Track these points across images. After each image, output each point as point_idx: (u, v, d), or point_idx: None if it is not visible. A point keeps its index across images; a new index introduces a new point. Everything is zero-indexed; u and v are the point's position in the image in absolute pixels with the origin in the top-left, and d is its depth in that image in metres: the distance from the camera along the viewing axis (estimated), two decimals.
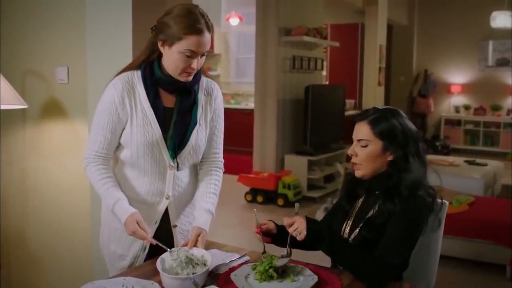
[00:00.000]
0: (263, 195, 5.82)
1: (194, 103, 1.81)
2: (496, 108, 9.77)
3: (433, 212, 1.76)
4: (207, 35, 1.67)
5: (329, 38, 7.95)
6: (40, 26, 2.76)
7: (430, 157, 6.68)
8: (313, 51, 6.78)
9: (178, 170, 1.81)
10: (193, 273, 1.53)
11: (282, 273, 1.60)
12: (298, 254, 1.85)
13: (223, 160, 1.97)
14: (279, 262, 1.61)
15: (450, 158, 6.59)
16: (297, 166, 6.06)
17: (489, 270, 3.90)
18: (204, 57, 1.73)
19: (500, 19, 7.89)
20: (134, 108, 1.75)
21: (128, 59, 1.90)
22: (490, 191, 5.61)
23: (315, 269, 1.66)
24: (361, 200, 1.84)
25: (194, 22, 1.65)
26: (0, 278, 2.90)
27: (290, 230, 1.66)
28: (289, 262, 1.65)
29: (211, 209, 1.85)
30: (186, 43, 1.65)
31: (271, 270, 1.56)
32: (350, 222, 1.82)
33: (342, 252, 1.66)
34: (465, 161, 6.21)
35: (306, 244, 1.75)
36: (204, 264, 1.59)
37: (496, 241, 3.86)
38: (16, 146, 2.91)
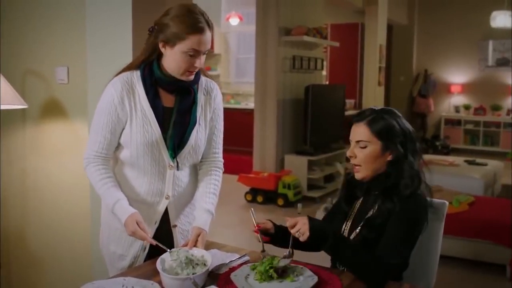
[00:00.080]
0: (263, 195, 5.82)
1: (194, 103, 1.82)
2: (496, 108, 9.77)
3: (431, 209, 1.76)
4: (208, 33, 1.69)
5: (329, 38, 7.95)
6: (40, 26, 2.76)
7: (430, 157, 6.71)
8: (313, 51, 6.79)
9: (178, 169, 1.81)
10: (193, 273, 1.53)
11: (282, 273, 1.59)
12: (298, 254, 1.84)
13: (222, 160, 1.97)
14: (281, 263, 1.61)
15: (450, 158, 6.59)
16: (297, 166, 6.07)
17: (489, 270, 3.90)
18: (204, 56, 1.74)
19: (500, 19, 7.89)
20: (134, 108, 1.75)
21: (128, 59, 1.90)
22: (490, 191, 5.61)
23: (315, 269, 1.66)
24: (360, 201, 1.84)
25: (196, 22, 1.66)
26: (0, 278, 2.90)
27: (292, 231, 1.64)
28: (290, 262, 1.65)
29: (211, 209, 1.85)
30: (189, 43, 1.66)
31: (271, 271, 1.56)
32: (349, 223, 1.82)
33: (344, 252, 1.66)
34: (465, 161, 6.21)
35: (308, 245, 1.75)
36: (204, 264, 1.59)
37: (496, 241, 3.86)
38: (16, 146, 2.91)
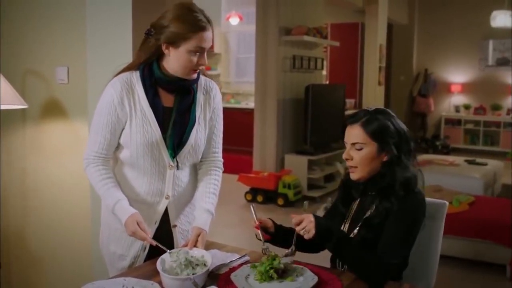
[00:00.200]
0: (263, 195, 5.82)
1: (193, 102, 1.82)
2: (496, 108, 9.76)
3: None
4: (210, 30, 1.71)
5: (329, 38, 7.94)
6: (40, 26, 2.76)
7: (430, 156, 6.71)
8: (313, 51, 6.78)
9: (178, 169, 1.81)
10: (193, 274, 1.53)
11: (282, 273, 1.59)
12: (298, 255, 1.85)
13: (222, 160, 1.97)
14: (283, 261, 1.61)
15: (450, 158, 6.59)
16: (297, 166, 6.07)
17: (489, 270, 3.90)
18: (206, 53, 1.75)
19: (500, 19, 7.88)
20: (133, 108, 1.75)
21: (128, 59, 1.91)
22: (490, 190, 5.61)
23: (315, 269, 1.66)
24: (357, 202, 1.84)
25: (197, 20, 1.67)
26: (0, 278, 2.90)
27: (298, 228, 1.64)
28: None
29: (211, 209, 1.85)
30: (194, 42, 1.67)
31: (271, 271, 1.56)
32: (347, 224, 1.83)
33: (347, 252, 1.66)
34: (465, 161, 6.21)
35: (309, 245, 1.75)
36: (204, 265, 1.59)
37: (496, 241, 3.86)
38: (16, 146, 2.91)
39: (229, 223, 4.96)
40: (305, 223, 1.63)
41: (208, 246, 1.84)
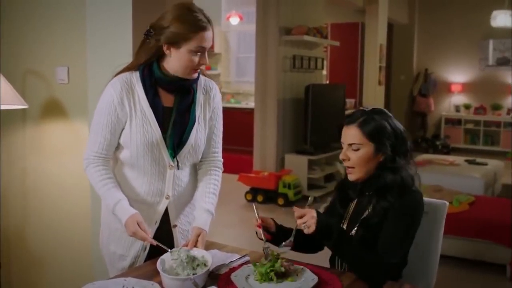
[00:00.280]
0: (263, 195, 5.82)
1: (193, 102, 1.82)
2: (496, 107, 9.76)
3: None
4: (210, 29, 1.72)
5: (330, 37, 7.94)
6: (40, 26, 2.76)
7: (430, 156, 6.71)
8: (314, 51, 6.78)
9: (178, 169, 1.81)
10: (193, 274, 1.53)
11: (282, 275, 1.59)
12: (298, 255, 1.85)
13: (222, 160, 1.97)
14: (280, 249, 1.63)
15: (451, 158, 6.59)
16: (298, 166, 6.07)
17: (489, 270, 3.90)
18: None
19: (501, 19, 7.88)
20: (133, 109, 1.75)
21: (128, 59, 1.91)
22: (490, 190, 5.61)
23: (315, 269, 1.66)
24: (354, 202, 1.84)
25: (197, 20, 1.68)
26: (0, 278, 2.90)
27: (299, 221, 1.64)
28: (291, 263, 1.65)
29: (211, 209, 1.86)
30: (195, 41, 1.68)
31: (272, 274, 1.56)
32: (345, 225, 1.83)
33: (347, 250, 1.66)
34: (465, 161, 6.21)
35: (308, 243, 1.75)
36: (205, 265, 1.59)
37: (496, 241, 3.86)
38: (16, 146, 2.91)
39: (229, 223, 4.96)
40: (306, 218, 1.63)
41: (208, 246, 1.84)
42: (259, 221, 1.75)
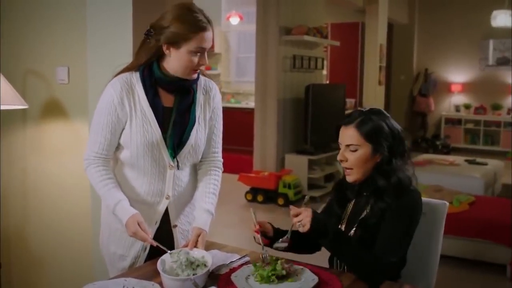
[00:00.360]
0: (264, 195, 5.82)
1: (193, 102, 1.82)
2: (496, 107, 9.76)
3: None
4: (210, 30, 1.71)
5: (330, 37, 7.94)
6: (40, 26, 2.76)
7: (430, 156, 6.71)
8: (314, 50, 6.78)
9: (178, 169, 1.81)
10: (193, 274, 1.53)
11: (282, 276, 1.59)
12: (298, 255, 1.85)
13: (222, 160, 1.97)
14: (277, 245, 1.67)
15: (451, 157, 6.59)
16: (298, 166, 6.07)
17: (489, 270, 3.90)
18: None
19: (501, 18, 7.88)
20: (133, 109, 1.75)
21: (128, 59, 1.91)
22: (490, 190, 5.61)
23: (315, 269, 1.66)
24: (352, 203, 1.84)
25: (197, 20, 1.68)
26: (0, 278, 2.90)
27: (294, 220, 1.64)
28: (292, 263, 1.65)
29: (211, 209, 1.86)
30: (195, 42, 1.68)
31: (273, 277, 1.55)
32: (343, 225, 1.83)
33: (345, 250, 1.66)
34: (466, 160, 6.21)
35: (307, 242, 1.75)
36: (205, 265, 1.59)
37: (496, 240, 3.86)
38: (16, 146, 2.91)
39: (229, 223, 4.96)
40: (302, 216, 1.63)
41: (208, 247, 1.84)
42: (257, 226, 1.75)
